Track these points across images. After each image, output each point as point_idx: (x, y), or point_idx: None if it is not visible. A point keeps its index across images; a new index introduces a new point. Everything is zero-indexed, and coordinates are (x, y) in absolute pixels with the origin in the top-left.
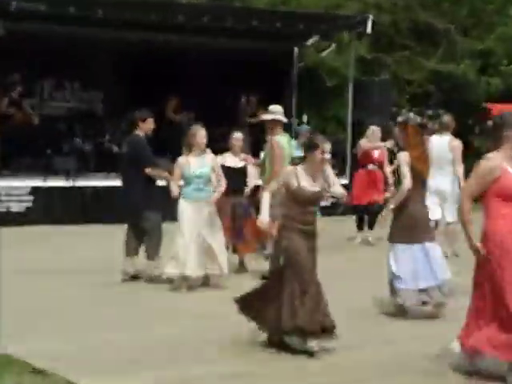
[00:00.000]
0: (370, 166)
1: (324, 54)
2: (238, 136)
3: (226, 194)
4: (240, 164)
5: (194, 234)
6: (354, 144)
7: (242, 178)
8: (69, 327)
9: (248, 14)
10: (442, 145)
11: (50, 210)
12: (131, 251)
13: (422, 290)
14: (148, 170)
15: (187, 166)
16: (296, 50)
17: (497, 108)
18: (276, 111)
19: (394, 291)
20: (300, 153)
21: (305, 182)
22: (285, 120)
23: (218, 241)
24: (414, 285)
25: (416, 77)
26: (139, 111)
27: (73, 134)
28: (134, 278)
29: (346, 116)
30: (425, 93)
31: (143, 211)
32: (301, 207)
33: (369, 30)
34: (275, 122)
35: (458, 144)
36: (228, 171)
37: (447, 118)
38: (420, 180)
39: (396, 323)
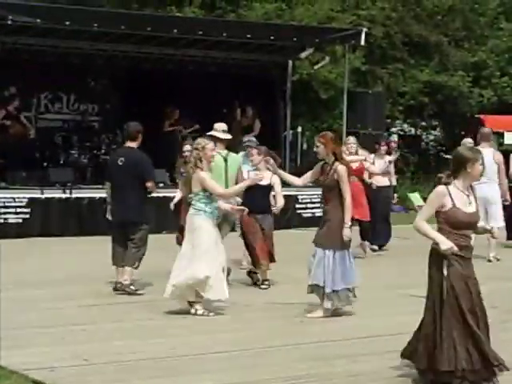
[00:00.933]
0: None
1: (318, 66)
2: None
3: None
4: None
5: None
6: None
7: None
8: (66, 339)
9: (242, 27)
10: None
11: (46, 221)
12: (120, 262)
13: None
14: (151, 184)
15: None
16: (290, 62)
17: (489, 119)
18: (216, 128)
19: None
20: (248, 166)
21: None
22: (221, 136)
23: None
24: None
25: (409, 88)
26: (135, 123)
27: (69, 146)
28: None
29: (341, 127)
30: (418, 104)
31: (142, 223)
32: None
33: (362, 42)
34: (214, 138)
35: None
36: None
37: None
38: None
39: None
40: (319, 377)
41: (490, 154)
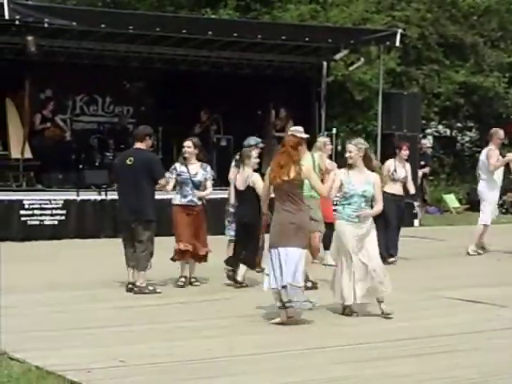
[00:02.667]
0: None
1: (352, 67)
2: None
3: None
4: None
5: None
6: (384, 157)
7: None
8: (102, 341)
9: (277, 29)
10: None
11: (82, 223)
12: (130, 262)
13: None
14: (163, 181)
15: None
16: (325, 63)
17: None
18: (299, 130)
19: None
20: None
21: None
22: (304, 136)
23: None
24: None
25: (445, 90)
26: (144, 127)
27: (104, 149)
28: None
29: (375, 129)
30: (454, 105)
31: (151, 222)
32: None
33: (397, 43)
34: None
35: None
36: None
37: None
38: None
39: None
40: (356, 379)
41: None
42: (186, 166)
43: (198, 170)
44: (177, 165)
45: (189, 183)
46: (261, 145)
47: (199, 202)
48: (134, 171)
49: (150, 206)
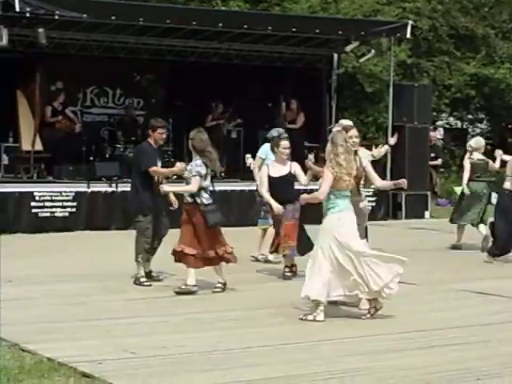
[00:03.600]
0: None
1: (363, 59)
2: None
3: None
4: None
5: None
6: (395, 148)
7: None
8: (113, 332)
9: (287, 20)
10: None
11: (92, 215)
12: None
13: None
14: (151, 170)
15: None
16: (335, 55)
17: None
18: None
19: None
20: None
21: None
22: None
23: None
24: None
25: (456, 81)
26: (154, 120)
27: (115, 140)
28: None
29: (386, 121)
30: (465, 97)
31: (137, 214)
32: None
33: (408, 35)
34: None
35: None
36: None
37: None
38: None
39: None
40: (366, 371)
41: None
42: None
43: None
44: None
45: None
46: (284, 135)
47: (190, 200)
48: (130, 164)
49: (134, 200)
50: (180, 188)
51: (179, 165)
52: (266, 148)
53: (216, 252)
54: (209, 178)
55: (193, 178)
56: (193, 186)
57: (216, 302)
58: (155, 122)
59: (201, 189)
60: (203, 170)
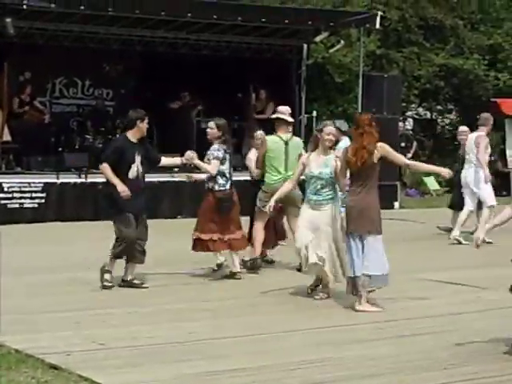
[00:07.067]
0: None
1: (333, 50)
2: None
3: None
4: None
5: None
6: None
7: None
8: (81, 324)
9: (257, 11)
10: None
11: (62, 206)
12: None
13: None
14: (102, 167)
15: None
16: (305, 46)
17: (505, 103)
18: (280, 111)
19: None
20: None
21: None
22: (288, 119)
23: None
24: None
25: (425, 72)
26: (133, 111)
27: (84, 131)
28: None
29: (356, 112)
30: (434, 88)
31: (109, 215)
32: None
33: (377, 25)
34: (278, 120)
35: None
36: None
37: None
38: None
39: None
40: (334, 361)
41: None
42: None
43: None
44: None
45: None
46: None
47: (210, 186)
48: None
49: (105, 197)
50: (202, 164)
51: (189, 153)
52: None
53: (224, 238)
54: (227, 164)
55: (212, 161)
56: (212, 168)
57: (189, 293)
58: (139, 113)
59: (217, 173)
60: (221, 154)
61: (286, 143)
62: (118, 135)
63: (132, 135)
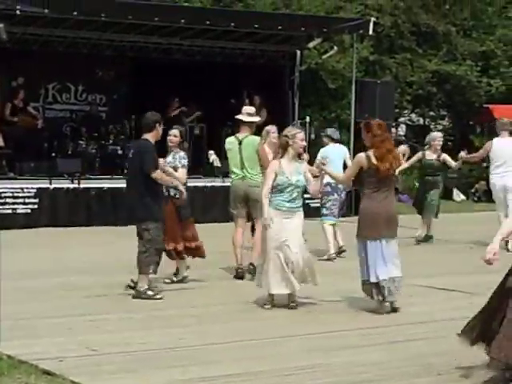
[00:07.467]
0: None
1: (326, 56)
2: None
3: None
4: None
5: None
6: (357, 145)
7: None
8: (74, 329)
9: (250, 17)
10: None
11: (54, 212)
12: None
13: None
14: (155, 175)
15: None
16: (298, 52)
17: (498, 109)
18: (242, 111)
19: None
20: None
21: None
22: (243, 119)
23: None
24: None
25: (417, 78)
26: (150, 113)
27: (77, 137)
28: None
29: (349, 117)
30: (426, 94)
31: (147, 221)
32: None
33: (370, 31)
34: (238, 121)
35: None
36: None
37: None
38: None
39: None
40: (325, 367)
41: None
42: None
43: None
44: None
45: None
46: None
47: (172, 193)
48: (132, 165)
49: (144, 203)
50: (173, 172)
51: (161, 161)
52: None
53: (183, 245)
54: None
55: (181, 169)
56: (183, 176)
57: (180, 299)
58: (157, 116)
59: None
60: (187, 162)
61: (240, 142)
62: (110, 140)
63: (151, 138)
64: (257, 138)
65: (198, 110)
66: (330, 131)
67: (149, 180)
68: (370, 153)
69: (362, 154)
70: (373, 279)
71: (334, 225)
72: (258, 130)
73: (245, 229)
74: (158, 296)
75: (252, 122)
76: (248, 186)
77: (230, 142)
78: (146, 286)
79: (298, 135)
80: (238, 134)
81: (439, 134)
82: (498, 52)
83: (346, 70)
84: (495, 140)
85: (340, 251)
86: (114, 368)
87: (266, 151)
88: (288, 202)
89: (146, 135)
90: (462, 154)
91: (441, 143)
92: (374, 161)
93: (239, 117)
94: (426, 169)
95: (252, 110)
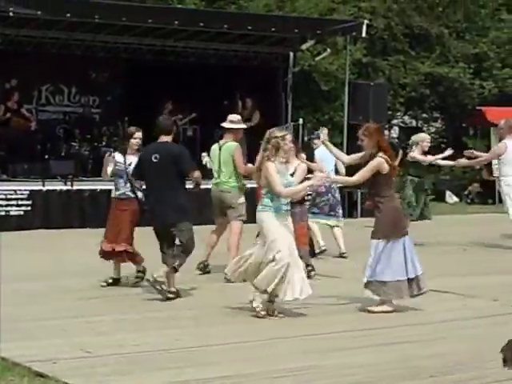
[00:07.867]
0: None
1: (319, 58)
2: None
3: None
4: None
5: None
6: (350, 147)
7: None
8: (68, 331)
9: (243, 19)
10: None
11: (47, 213)
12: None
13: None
14: (197, 175)
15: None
16: (291, 54)
17: (491, 111)
18: (227, 119)
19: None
20: None
21: None
22: (226, 126)
23: None
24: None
25: (410, 80)
26: (165, 117)
27: (70, 139)
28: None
29: (342, 119)
30: (419, 96)
31: (187, 222)
32: None
33: (363, 34)
34: (224, 129)
35: None
36: None
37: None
38: None
39: None
40: (316, 369)
41: None
42: (124, 155)
43: (134, 160)
44: (116, 154)
45: (123, 174)
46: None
47: (132, 195)
48: (159, 169)
49: (184, 205)
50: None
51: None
52: None
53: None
54: None
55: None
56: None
57: (174, 301)
58: (171, 120)
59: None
60: None
61: (220, 148)
62: (104, 142)
63: (171, 140)
64: (233, 144)
65: (191, 112)
66: (317, 133)
67: (184, 182)
68: (385, 156)
69: (381, 160)
70: (411, 275)
71: (333, 226)
72: (252, 132)
73: (222, 232)
74: (170, 295)
75: (236, 129)
76: (220, 192)
77: (213, 149)
78: (165, 280)
79: (286, 136)
80: (220, 141)
81: (428, 136)
82: (491, 54)
83: (339, 71)
84: (508, 142)
85: (341, 255)
86: (108, 370)
87: (242, 157)
88: (285, 204)
89: (166, 137)
90: (461, 160)
91: (429, 145)
92: (390, 163)
93: (223, 124)
94: (410, 168)
95: (236, 117)
